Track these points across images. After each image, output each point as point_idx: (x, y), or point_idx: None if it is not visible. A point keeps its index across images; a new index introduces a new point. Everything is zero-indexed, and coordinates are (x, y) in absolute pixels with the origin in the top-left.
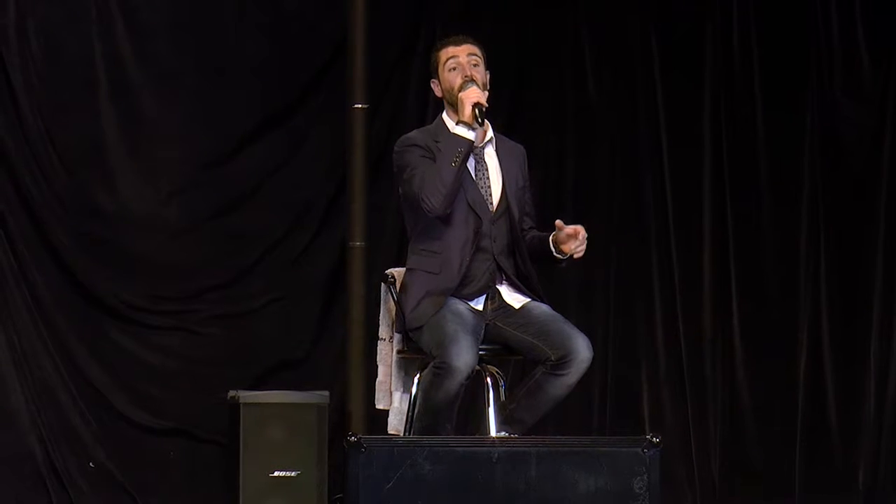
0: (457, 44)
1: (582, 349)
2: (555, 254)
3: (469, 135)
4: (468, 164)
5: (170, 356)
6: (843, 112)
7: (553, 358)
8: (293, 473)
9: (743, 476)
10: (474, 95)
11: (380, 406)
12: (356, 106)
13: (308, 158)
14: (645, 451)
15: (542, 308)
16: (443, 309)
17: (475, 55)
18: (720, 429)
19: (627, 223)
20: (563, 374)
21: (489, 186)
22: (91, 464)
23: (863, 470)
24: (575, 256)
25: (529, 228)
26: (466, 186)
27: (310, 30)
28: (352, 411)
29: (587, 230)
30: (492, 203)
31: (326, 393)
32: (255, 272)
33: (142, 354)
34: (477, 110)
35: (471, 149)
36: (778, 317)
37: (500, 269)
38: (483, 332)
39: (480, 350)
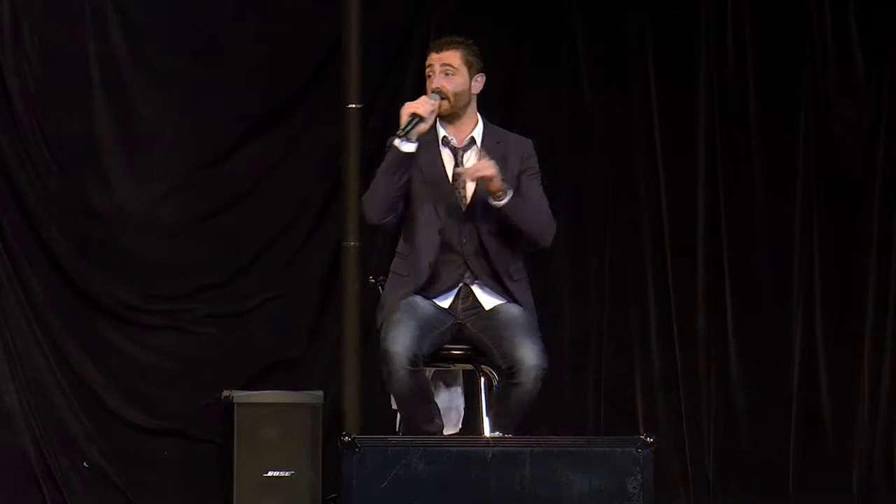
0: (438, 49)
1: (528, 358)
2: (494, 201)
3: (404, 146)
4: (447, 166)
5: (164, 356)
6: (837, 111)
7: (503, 366)
8: (287, 473)
9: (737, 476)
10: (412, 107)
11: (395, 406)
12: (351, 106)
13: (303, 158)
14: (639, 450)
15: (511, 311)
16: (400, 304)
17: (448, 65)
18: (714, 428)
19: (621, 223)
20: (515, 383)
21: (464, 188)
22: (85, 463)
23: (857, 470)
24: (476, 176)
25: None
26: (442, 188)
27: (304, 29)
28: (346, 411)
29: (581, 230)
30: (465, 204)
31: (321, 393)
32: (250, 272)
33: (136, 354)
34: (410, 122)
35: (404, 160)
36: (772, 316)
37: (470, 269)
38: (448, 328)
39: (455, 349)
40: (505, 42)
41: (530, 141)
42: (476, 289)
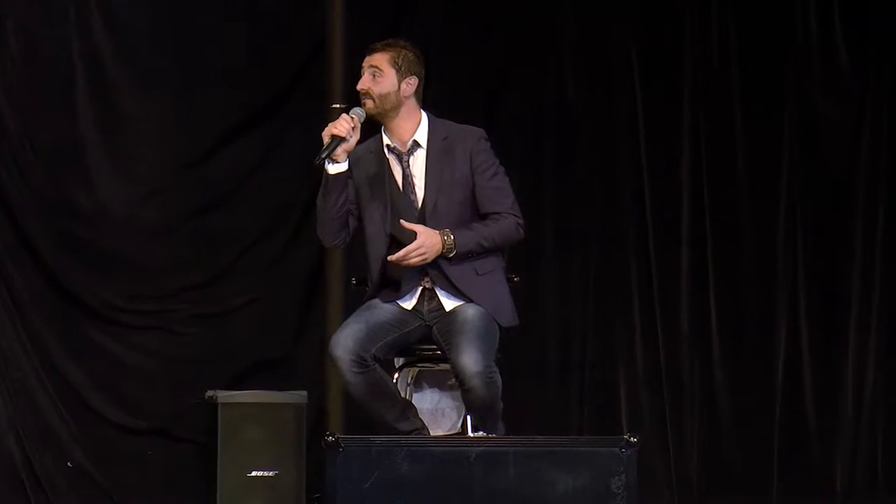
0: (370, 52)
1: (469, 365)
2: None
3: (330, 168)
4: (395, 173)
5: (148, 356)
6: (821, 110)
7: (452, 372)
8: (271, 473)
9: (720, 476)
10: (331, 128)
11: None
12: (334, 106)
13: (286, 158)
14: (623, 450)
15: (465, 315)
16: (359, 308)
17: (375, 67)
18: (698, 429)
19: (606, 225)
20: (465, 390)
21: (415, 192)
22: (69, 463)
23: (840, 470)
24: (408, 263)
25: (486, 214)
26: (392, 195)
27: (288, 29)
28: (330, 411)
29: (566, 231)
30: (417, 208)
31: (304, 393)
32: (234, 272)
33: (120, 354)
34: (330, 144)
35: (335, 181)
36: (756, 317)
37: (427, 274)
38: (414, 329)
39: (426, 349)
40: (489, 44)
41: (479, 131)
42: (438, 290)
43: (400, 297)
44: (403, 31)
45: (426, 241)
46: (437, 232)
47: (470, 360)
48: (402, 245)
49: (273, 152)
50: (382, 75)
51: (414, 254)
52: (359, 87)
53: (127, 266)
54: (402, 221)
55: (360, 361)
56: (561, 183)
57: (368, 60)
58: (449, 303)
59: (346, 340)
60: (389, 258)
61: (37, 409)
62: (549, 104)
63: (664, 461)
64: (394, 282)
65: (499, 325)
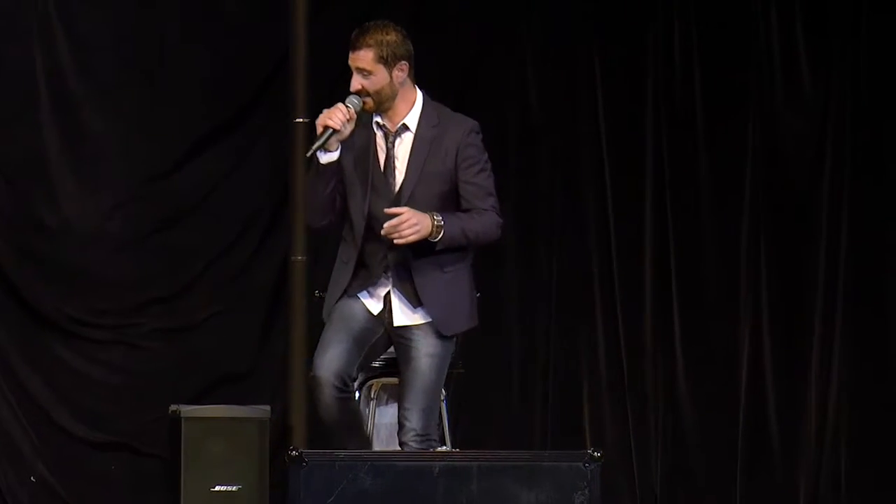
0: (353, 48)
1: (410, 422)
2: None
3: (323, 158)
4: (379, 152)
5: (112, 370)
6: (783, 125)
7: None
8: (234, 488)
9: (684, 489)
10: (325, 119)
11: None
12: (298, 120)
13: (250, 172)
14: (586, 465)
15: (420, 365)
16: (335, 311)
17: (363, 68)
18: (661, 442)
19: (569, 237)
20: (401, 441)
21: (394, 176)
22: (32, 478)
23: (804, 482)
24: (395, 242)
25: (467, 210)
26: (372, 174)
27: (252, 43)
28: (293, 426)
29: (529, 241)
30: (394, 191)
31: (268, 407)
32: (198, 286)
33: (84, 368)
34: (323, 134)
35: (325, 170)
36: (719, 329)
37: (389, 261)
38: (380, 338)
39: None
40: (453, 57)
41: (472, 123)
42: (394, 295)
43: (371, 286)
44: None
45: (415, 215)
46: (427, 213)
47: (414, 417)
48: (379, 225)
49: (237, 166)
50: (371, 74)
51: (405, 224)
52: (352, 89)
53: (90, 280)
54: (386, 210)
55: (343, 387)
56: (523, 190)
57: (354, 59)
58: (402, 317)
59: (330, 363)
60: (384, 231)
61: (0, 424)
62: (512, 111)
63: (628, 475)
64: (364, 267)
65: (452, 338)
